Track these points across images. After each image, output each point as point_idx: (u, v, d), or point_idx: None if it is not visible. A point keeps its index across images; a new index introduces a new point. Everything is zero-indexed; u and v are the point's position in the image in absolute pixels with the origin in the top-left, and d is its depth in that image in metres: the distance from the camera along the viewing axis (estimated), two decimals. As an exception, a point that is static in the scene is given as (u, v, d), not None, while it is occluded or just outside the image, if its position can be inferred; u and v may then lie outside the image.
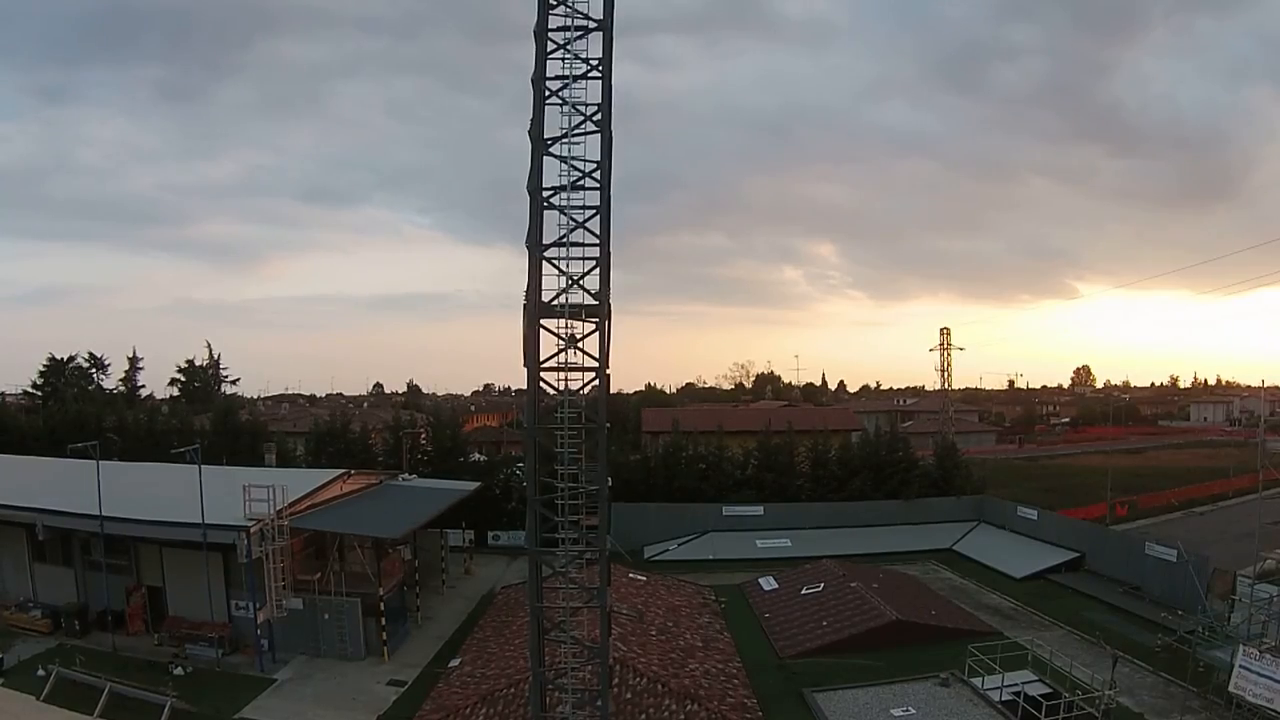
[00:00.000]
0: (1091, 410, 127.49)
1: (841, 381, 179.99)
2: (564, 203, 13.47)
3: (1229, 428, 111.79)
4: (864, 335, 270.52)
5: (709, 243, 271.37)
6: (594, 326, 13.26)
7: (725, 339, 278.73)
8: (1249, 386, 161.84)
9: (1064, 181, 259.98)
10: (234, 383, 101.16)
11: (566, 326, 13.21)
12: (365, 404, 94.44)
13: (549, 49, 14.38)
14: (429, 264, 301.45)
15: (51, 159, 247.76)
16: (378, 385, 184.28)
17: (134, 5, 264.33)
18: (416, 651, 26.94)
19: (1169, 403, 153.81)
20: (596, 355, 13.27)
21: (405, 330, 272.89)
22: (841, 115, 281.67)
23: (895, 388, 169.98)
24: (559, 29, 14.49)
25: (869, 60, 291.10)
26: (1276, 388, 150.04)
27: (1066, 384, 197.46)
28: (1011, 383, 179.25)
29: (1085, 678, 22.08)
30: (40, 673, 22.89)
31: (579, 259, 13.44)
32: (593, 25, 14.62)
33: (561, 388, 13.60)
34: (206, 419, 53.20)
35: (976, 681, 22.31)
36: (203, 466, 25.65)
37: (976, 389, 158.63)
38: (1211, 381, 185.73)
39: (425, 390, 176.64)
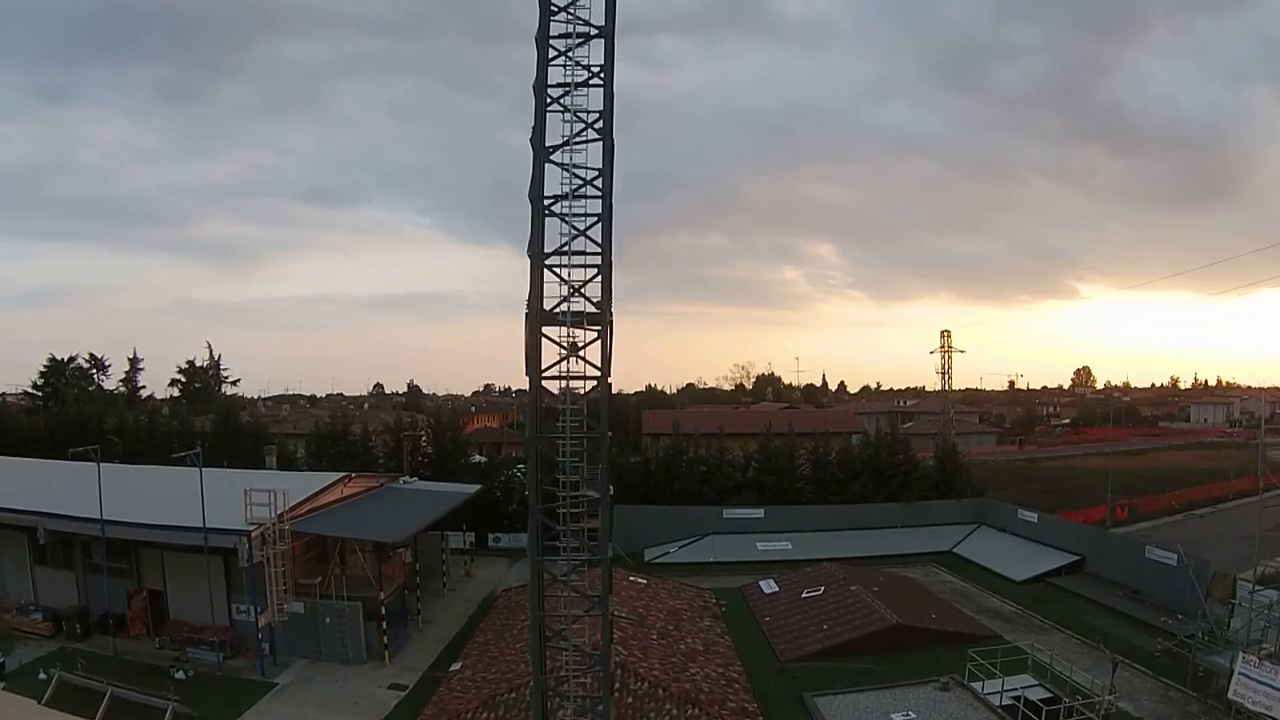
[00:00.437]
0: (1092, 411, 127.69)
1: (842, 382, 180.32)
2: (565, 210, 13.48)
3: (1229, 429, 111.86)
4: (864, 335, 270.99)
5: (709, 243, 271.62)
6: (596, 334, 13.28)
7: (725, 339, 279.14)
8: (1249, 387, 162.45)
9: (1064, 182, 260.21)
10: (234, 383, 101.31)
11: (568, 335, 13.21)
12: (366, 405, 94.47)
13: (550, 56, 14.42)
14: (429, 264, 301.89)
15: (52, 159, 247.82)
16: (378, 386, 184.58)
17: (134, 5, 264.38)
18: (417, 655, 26.98)
19: (1169, 404, 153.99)
20: (598, 363, 13.31)
21: (405, 330, 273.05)
22: (842, 115, 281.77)
23: (895, 388, 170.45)
24: (560, 35, 14.53)
25: (869, 60, 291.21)
26: (1277, 389, 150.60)
27: (1067, 384, 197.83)
28: (1012, 383, 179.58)
29: (1085, 682, 22.11)
30: (42, 676, 22.92)
31: (580, 266, 13.46)
32: (594, 32, 14.67)
33: (563, 393, 13.64)
34: (207, 420, 53.22)
35: (977, 686, 22.34)
36: (204, 469, 25.67)
37: (977, 389, 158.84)
38: (1212, 382, 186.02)
39: (426, 391, 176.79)
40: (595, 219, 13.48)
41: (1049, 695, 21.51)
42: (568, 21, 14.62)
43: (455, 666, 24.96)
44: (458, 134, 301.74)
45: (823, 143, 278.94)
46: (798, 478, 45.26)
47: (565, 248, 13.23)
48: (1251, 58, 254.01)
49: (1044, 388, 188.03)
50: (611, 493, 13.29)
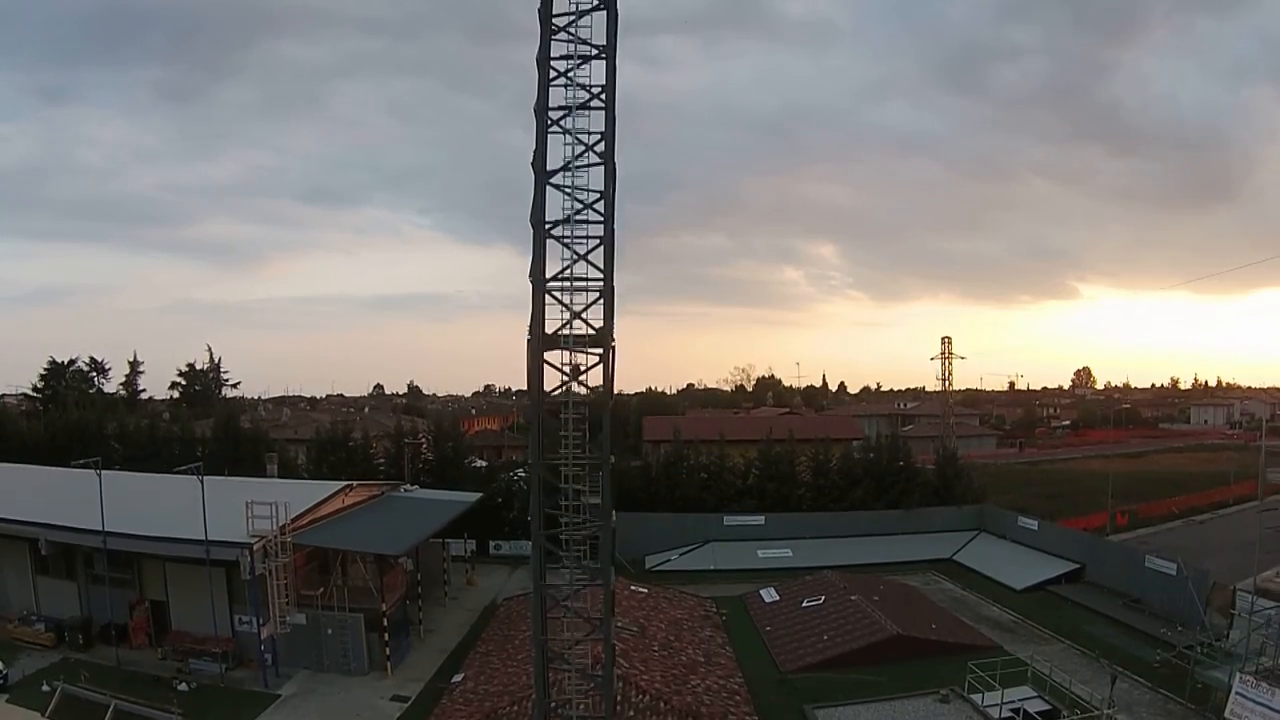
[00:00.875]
0: (1092, 413, 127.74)
1: (842, 383, 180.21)
2: (567, 234, 13.50)
3: (1229, 431, 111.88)
4: (864, 336, 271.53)
5: (709, 243, 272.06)
6: (598, 358, 13.30)
7: (725, 340, 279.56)
8: (1249, 388, 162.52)
9: (1064, 182, 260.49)
10: (234, 386, 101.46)
11: (571, 360, 13.24)
12: (366, 408, 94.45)
13: (551, 77, 14.43)
14: (429, 264, 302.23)
15: (52, 159, 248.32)
16: (378, 386, 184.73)
17: (134, 5, 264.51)
18: (419, 665, 27.01)
19: (1169, 405, 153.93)
20: (601, 383, 13.32)
21: (406, 331, 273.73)
22: (842, 116, 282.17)
23: (896, 389, 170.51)
24: (562, 57, 14.52)
25: (870, 61, 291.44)
26: (1277, 389, 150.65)
27: (1067, 385, 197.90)
28: (1012, 384, 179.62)
29: (1085, 694, 22.18)
30: (45, 688, 22.91)
31: (583, 290, 13.48)
32: (594, 53, 14.67)
33: (565, 411, 13.62)
34: (208, 426, 53.22)
35: (976, 698, 22.40)
36: (205, 478, 25.71)
37: (977, 390, 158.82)
38: (1212, 383, 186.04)
39: (426, 391, 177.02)
40: (597, 242, 13.50)
41: (1048, 708, 21.59)
42: (569, 41, 14.67)
43: (457, 678, 25.03)
44: (458, 134, 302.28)
45: (823, 143, 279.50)
46: (798, 484, 45.27)
47: (565, 274, 13.24)
48: (1251, 58, 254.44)
49: (1044, 388, 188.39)
50: (614, 520, 13.30)
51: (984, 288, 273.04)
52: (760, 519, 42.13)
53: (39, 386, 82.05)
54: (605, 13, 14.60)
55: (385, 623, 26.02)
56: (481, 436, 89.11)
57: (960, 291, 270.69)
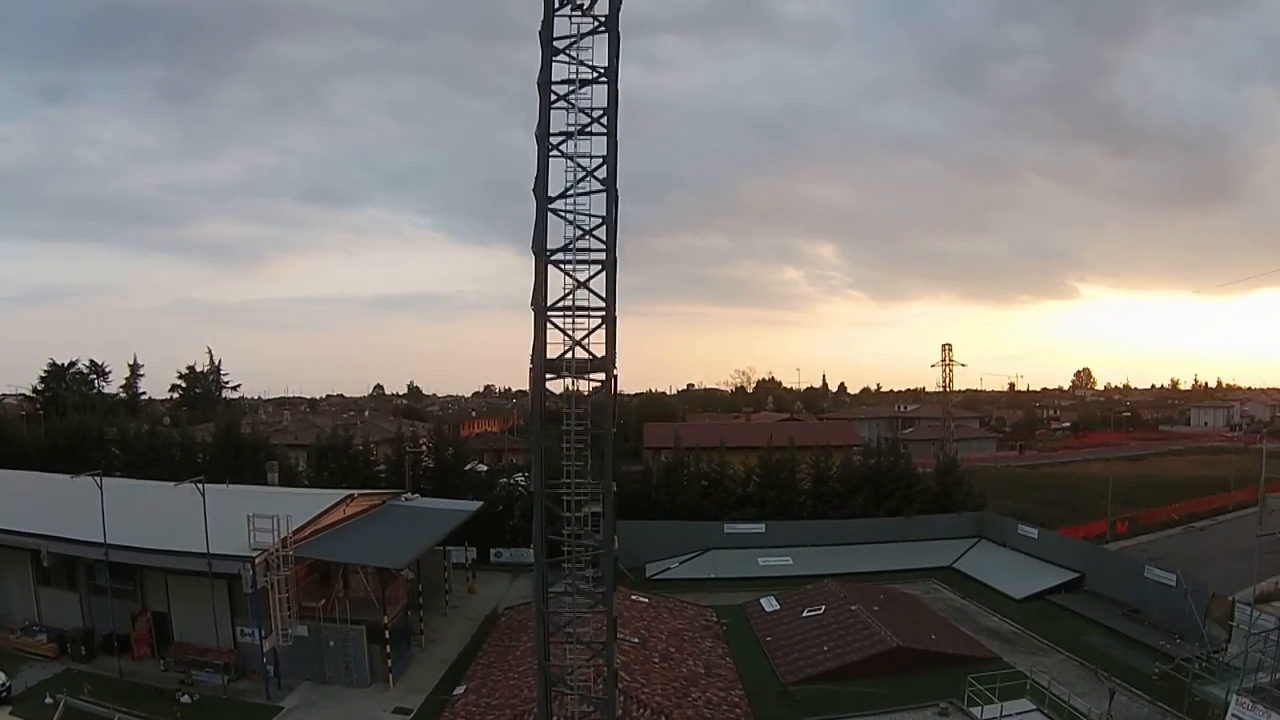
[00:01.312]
0: (1092, 415, 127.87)
1: (842, 384, 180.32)
2: (569, 260, 13.52)
3: (1229, 433, 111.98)
4: (865, 336, 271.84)
5: (709, 243, 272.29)
6: (601, 381, 13.33)
7: (726, 340, 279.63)
8: (1249, 388, 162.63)
9: (1064, 182, 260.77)
10: (234, 389, 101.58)
11: (573, 386, 13.29)
12: (366, 411, 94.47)
13: (552, 100, 14.41)
14: (429, 264, 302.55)
15: (51, 159, 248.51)
16: (378, 387, 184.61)
17: (134, 5, 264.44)
18: (421, 677, 27.06)
19: (1169, 406, 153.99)
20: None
21: (406, 331, 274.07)
22: (842, 116, 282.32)
23: (896, 389, 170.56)
24: (563, 81, 14.48)
25: (870, 61, 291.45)
26: (1277, 390, 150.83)
27: (1067, 385, 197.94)
28: (1012, 385, 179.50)
29: (1083, 708, 22.28)
30: (48, 701, 23.02)
31: (585, 315, 13.50)
32: (595, 76, 14.64)
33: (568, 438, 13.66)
34: (208, 431, 53.29)
35: (976, 711, 22.49)
36: (206, 486, 25.76)
37: (977, 391, 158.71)
38: (1212, 383, 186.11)
39: (426, 392, 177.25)
40: (599, 268, 13.52)
41: (1047, 722, 21.66)
42: (569, 63, 14.69)
43: (459, 690, 25.07)
44: (458, 134, 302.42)
45: (823, 143, 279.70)
46: (799, 492, 45.29)
47: (565, 300, 13.25)
48: (1251, 58, 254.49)
49: (1044, 389, 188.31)
50: (616, 547, 13.34)
51: (984, 288, 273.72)
52: (761, 527, 42.16)
53: (39, 388, 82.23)
54: (606, 35, 14.68)
55: (387, 634, 26.09)
56: (482, 439, 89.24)
57: (960, 291, 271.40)
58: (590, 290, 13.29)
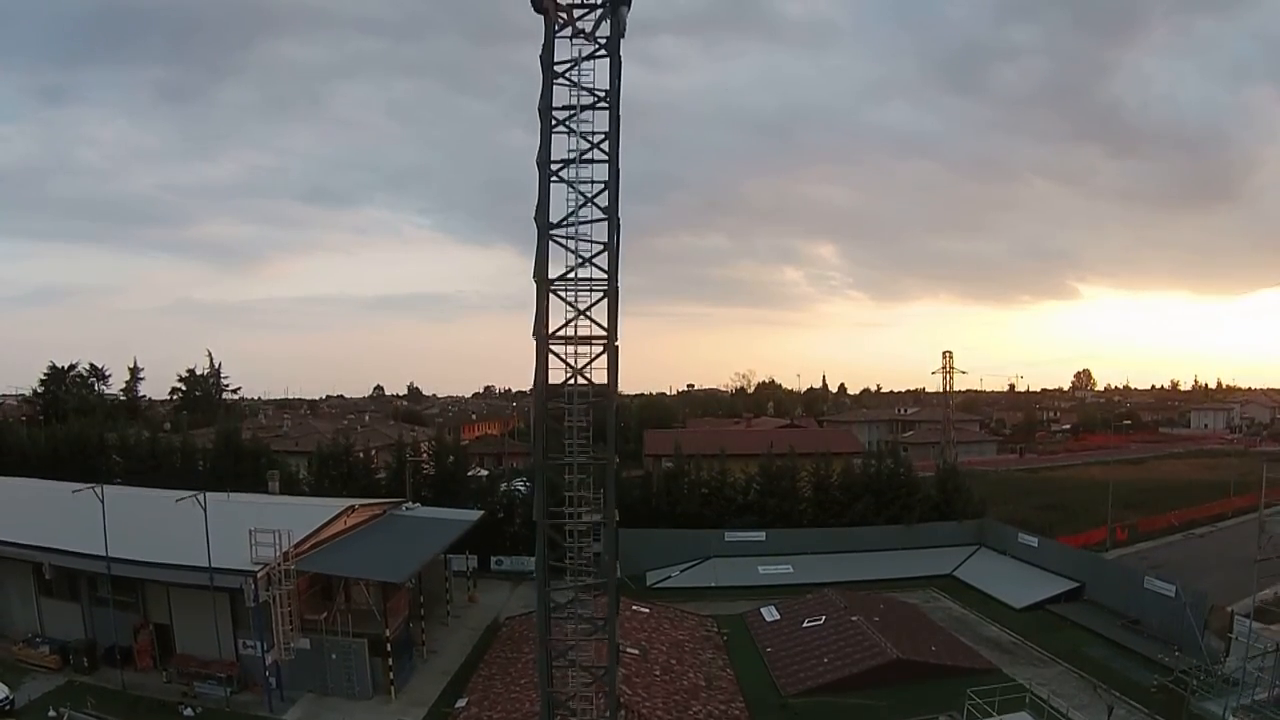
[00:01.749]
0: (1092, 417, 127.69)
1: (842, 384, 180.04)
2: (570, 289, 13.55)
3: (1229, 435, 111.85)
4: (865, 336, 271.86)
5: (709, 244, 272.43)
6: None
7: (726, 340, 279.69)
8: (1249, 389, 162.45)
9: (1064, 182, 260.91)
10: (234, 391, 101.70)
11: (575, 415, 13.30)
12: (367, 415, 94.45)
13: (553, 124, 14.43)
14: (429, 264, 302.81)
15: (51, 159, 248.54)
16: (378, 388, 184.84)
17: (134, 5, 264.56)
18: (423, 688, 27.12)
19: (1169, 408, 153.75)
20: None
21: (406, 331, 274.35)
22: (842, 116, 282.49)
23: (896, 390, 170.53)
24: (563, 107, 14.49)
25: (870, 61, 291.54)
26: (1277, 391, 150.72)
27: (1067, 386, 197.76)
28: (1012, 386, 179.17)
29: (1081, 723, 22.35)
30: (52, 714, 23.14)
31: (586, 344, 13.54)
32: (595, 101, 14.67)
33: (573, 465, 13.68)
34: (209, 438, 53.30)
35: (975, 725, 22.55)
36: (208, 495, 25.81)
37: (977, 392, 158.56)
38: (1212, 384, 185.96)
39: (426, 393, 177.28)
40: (601, 295, 13.54)
41: (1046, 737, 21.73)
42: (568, 86, 14.69)
43: (460, 703, 25.16)
44: (458, 134, 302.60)
45: (823, 143, 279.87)
46: (799, 500, 45.28)
47: (566, 329, 13.28)
48: (1251, 58, 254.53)
49: (1044, 390, 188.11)
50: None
51: (984, 288, 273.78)
52: (761, 535, 42.18)
53: (39, 391, 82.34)
54: (608, 60, 14.70)
55: (389, 647, 26.15)
56: (482, 442, 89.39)
57: (960, 292, 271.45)
58: (591, 320, 13.30)
